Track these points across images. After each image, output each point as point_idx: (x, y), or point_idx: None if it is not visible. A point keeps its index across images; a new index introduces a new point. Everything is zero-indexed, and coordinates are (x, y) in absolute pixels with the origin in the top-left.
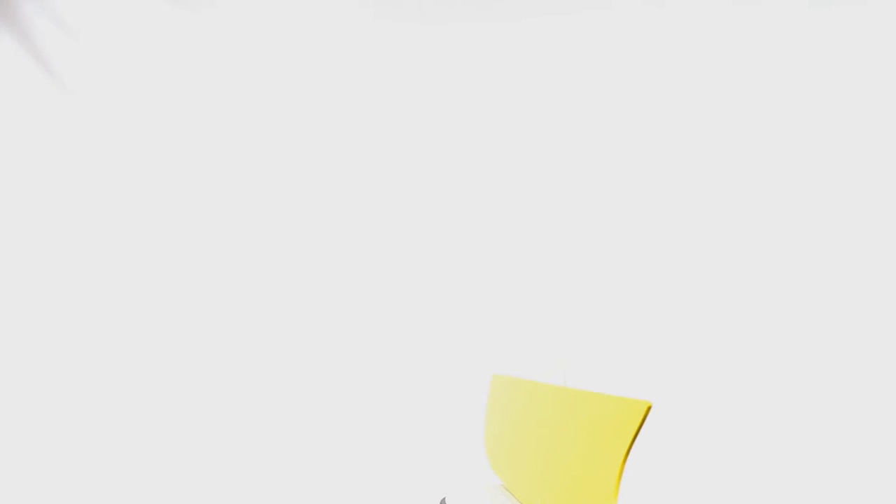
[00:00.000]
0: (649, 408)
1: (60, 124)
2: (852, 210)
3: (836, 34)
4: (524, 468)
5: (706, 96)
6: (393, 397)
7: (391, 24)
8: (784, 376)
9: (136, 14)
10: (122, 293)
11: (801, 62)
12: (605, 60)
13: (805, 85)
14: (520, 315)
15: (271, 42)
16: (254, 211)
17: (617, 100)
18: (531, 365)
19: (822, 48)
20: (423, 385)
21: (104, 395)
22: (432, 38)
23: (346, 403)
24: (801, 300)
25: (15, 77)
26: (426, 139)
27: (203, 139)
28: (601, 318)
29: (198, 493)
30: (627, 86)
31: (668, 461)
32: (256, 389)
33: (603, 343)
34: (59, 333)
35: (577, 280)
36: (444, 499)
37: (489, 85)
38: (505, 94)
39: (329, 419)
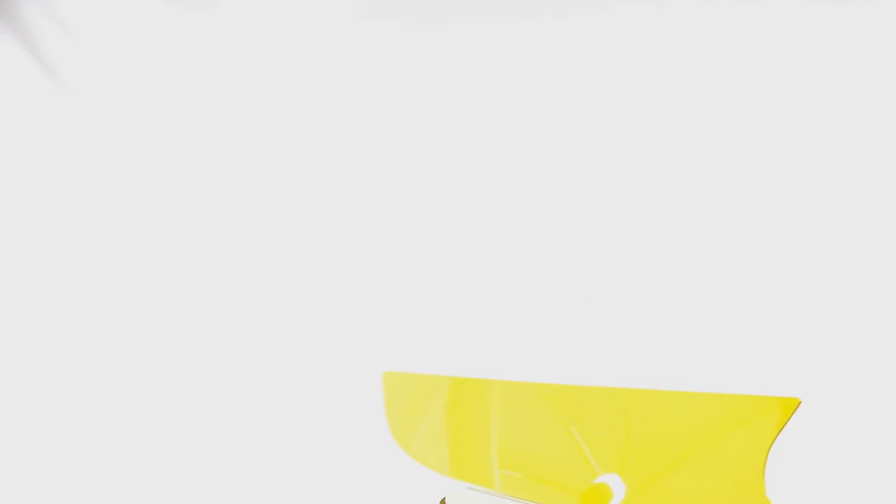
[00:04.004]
0: (798, 404)
1: (60, 124)
2: (852, 212)
3: (840, 34)
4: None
5: (708, 97)
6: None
7: (392, 24)
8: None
9: (136, 14)
10: (120, 291)
11: (805, 63)
12: (606, 62)
13: (809, 86)
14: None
15: (273, 42)
16: (252, 210)
17: (616, 102)
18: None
19: (826, 48)
20: None
21: (89, 392)
22: (432, 39)
23: (345, 402)
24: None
25: (15, 77)
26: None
27: (204, 139)
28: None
29: (198, 494)
30: (628, 86)
31: None
32: (249, 388)
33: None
34: (57, 332)
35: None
36: (444, 499)
37: (482, 86)
38: (504, 94)
39: (328, 418)
